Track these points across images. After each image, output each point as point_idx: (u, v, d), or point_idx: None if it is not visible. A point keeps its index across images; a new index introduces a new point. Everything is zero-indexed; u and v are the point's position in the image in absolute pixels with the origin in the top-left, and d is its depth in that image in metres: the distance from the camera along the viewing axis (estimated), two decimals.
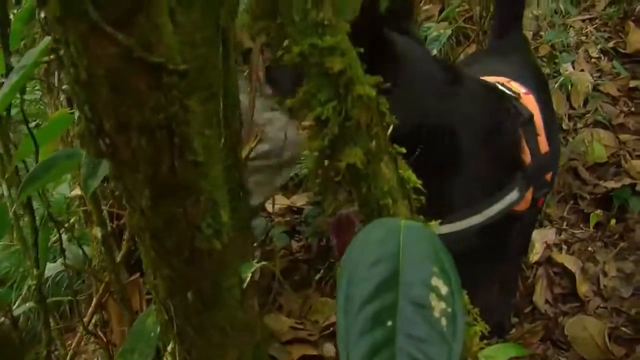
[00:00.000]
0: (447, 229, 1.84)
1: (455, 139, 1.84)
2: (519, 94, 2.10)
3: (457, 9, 4.29)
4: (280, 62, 0.96)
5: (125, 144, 0.68)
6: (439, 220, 1.80)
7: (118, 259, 1.80)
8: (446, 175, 1.86)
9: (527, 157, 2.00)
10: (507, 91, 2.10)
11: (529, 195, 2.00)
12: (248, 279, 1.05)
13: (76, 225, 2.49)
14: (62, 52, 0.65)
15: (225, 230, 0.83)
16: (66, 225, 2.29)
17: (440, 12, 4.52)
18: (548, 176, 2.12)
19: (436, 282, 0.88)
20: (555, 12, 4.30)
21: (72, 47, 0.63)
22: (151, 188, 0.72)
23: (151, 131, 0.67)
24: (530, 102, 2.11)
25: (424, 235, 0.92)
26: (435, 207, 1.84)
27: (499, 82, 2.13)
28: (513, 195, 1.94)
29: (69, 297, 2.44)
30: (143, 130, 0.67)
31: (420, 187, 1.11)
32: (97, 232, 1.68)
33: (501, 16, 2.65)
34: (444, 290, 0.88)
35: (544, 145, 2.06)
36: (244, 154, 1.76)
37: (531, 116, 2.05)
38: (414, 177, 1.10)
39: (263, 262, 1.14)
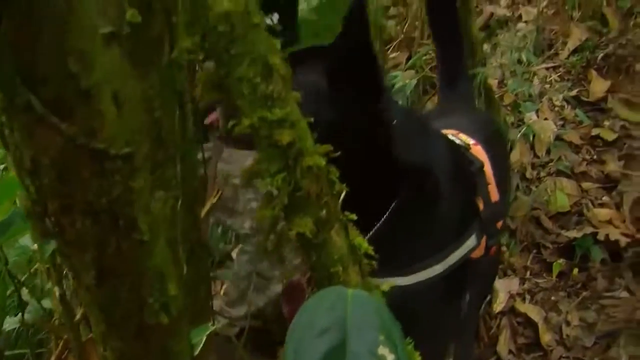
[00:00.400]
0: (413, 279, 1.85)
1: (434, 185, 1.86)
2: (468, 145, 2.14)
3: (424, 57, 4.33)
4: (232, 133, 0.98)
5: (70, 225, 0.69)
6: (409, 268, 1.83)
7: (77, 316, 1.80)
8: (420, 220, 1.87)
9: (480, 205, 2.03)
10: (458, 141, 2.14)
11: (483, 242, 2.03)
12: (202, 342, 1.06)
13: (38, 279, 2.48)
14: (7, 135, 0.67)
15: (173, 304, 0.85)
16: (25, 279, 2.28)
17: (408, 59, 4.56)
18: (499, 224, 2.15)
19: (383, 350, 0.90)
20: (519, 62, 4.35)
21: (17, 134, 0.64)
22: (97, 267, 0.74)
23: (95, 214, 0.68)
24: (479, 152, 2.15)
25: (370, 304, 0.94)
26: (410, 251, 1.86)
27: (448, 134, 2.17)
28: (471, 241, 1.97)
29: (29, 350, 2.42)
30: (87, 213, 0.68)
31: (372, 252, 1.12)
32: (56, 290, 1.68)
33: (446, 69, 2.70)
34: (390, 358, 0.89)
35: (494, 194, 2.09)
36: (204, 210, 1.77)
37: (482, 165, 2.08)
38: (365, 243, 1.11)
39: (217, 325, 1.15)
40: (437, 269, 1.87)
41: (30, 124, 0.62)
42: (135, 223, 0.73)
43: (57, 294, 1.68)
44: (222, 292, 3.22)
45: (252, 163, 1.02)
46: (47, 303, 2.19)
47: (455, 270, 1.90)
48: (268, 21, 2.30)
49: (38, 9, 0.59)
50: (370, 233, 1.71)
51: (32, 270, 2.49)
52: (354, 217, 1.11)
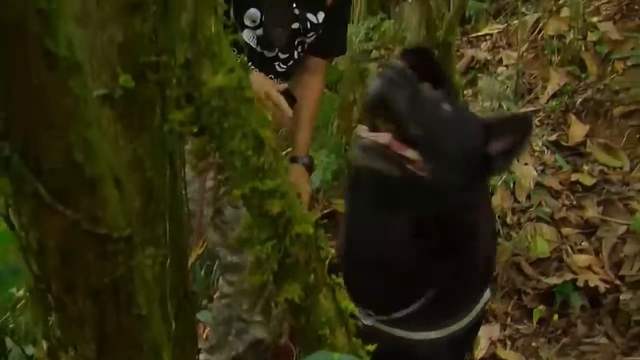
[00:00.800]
0: (444, 332, 1.87)
1: (477, 249, 1.90)
2: None
3: None
4: None
5: (73, 303, 0.72)
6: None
7: None
8: (461, 282, 1.89)
9: None
10: None
11: None
12: None
13: (23, 326, 2.49)
14: (13, 218, 0.69)
15: None
16: (6, 320, 2.29)
17: None
18: None
19: None
20: (500, 107, 4.39)
21: (24, 218, 0.67)
22: (97, 341, 0.76)
23: (97, 293, 0.71)
24: None
25: None
26: (448, 308, 1.88)
27: None
28: (487, 294, 2.00)
29: None
30: (89, 292, 0.71)
31: (356, 315, 1.15)
32: (43, 344, 1.69)
33: None
34: None
35: None
36: (190, 261, 1.80)
37: None
38: (351, 305, 1.14)
39: None
40: (464, 321, 1.90)
41: (37, 210, 0.65)
42: (135, 299, 0.76)
43: (45, 346, 1.69)
44: (204, 336, 3.22)
45: (241, 229, 1.05)
46: (30, 350, 2.20)
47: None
48: (312, 18, 2.32)
49: (46, 105, 0.62)
50: (424, 299, 1.76)
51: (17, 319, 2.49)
52: (340, 280, 1.14)
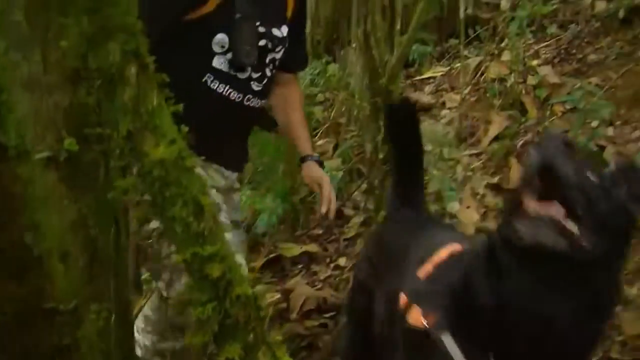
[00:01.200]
0: None
1: None
2: None
3: (352, 146, 4.42)
4: None
5: None
6: None
7: None
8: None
9: None
10: None
11: None
12: None
13: None
14: None
15: None
16: None
17: (335, 147, 4.65)
18: None
19: None
20: (442, 152, 4.42)
21: None
22: None
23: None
24: None
25: None
26: None
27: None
28: None
29: None
30: None
31: None
32: None
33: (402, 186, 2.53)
34: None
35: None
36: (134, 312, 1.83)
37: None
38: None
39: None
40: None
41: None
42: None
43: None
44: None
45: (183, 291, 1.09)
46: None
47: None
48: (277, 33, 2.35)
49: None
50: None
51: None
52: (280, 338, 1.18)
